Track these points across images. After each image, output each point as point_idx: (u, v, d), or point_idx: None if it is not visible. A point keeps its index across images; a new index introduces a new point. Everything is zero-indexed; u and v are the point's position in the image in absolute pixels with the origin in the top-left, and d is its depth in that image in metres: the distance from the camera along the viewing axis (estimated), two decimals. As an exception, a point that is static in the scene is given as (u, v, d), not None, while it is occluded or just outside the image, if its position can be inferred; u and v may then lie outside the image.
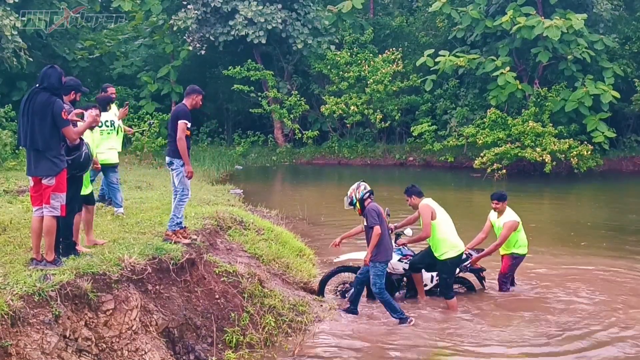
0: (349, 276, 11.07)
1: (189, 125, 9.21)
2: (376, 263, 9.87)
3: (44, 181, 7.45)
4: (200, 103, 9.56)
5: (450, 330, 9.68)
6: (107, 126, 11.97)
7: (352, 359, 8.65)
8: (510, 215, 11.38)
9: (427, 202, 10.64)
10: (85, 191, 8.86)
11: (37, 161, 7.49)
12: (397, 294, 11.01)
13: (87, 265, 7.45)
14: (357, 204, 10.11)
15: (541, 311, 10.51)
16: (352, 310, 10.19)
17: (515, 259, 11.39)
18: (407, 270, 10.78)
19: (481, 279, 11.47)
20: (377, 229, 9.75)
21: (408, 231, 10.75)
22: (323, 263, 13.10)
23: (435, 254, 10.55)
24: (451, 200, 20.92)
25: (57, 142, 7.49)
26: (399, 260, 10.81)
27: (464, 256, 10.87)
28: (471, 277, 11.49)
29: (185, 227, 9.57)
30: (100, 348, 7.00)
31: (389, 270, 10.58)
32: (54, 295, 6.72)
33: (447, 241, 10.46)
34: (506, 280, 11.38)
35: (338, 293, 11.11)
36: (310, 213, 17.72)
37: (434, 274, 10.89)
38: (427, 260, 10.68)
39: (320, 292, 10.92)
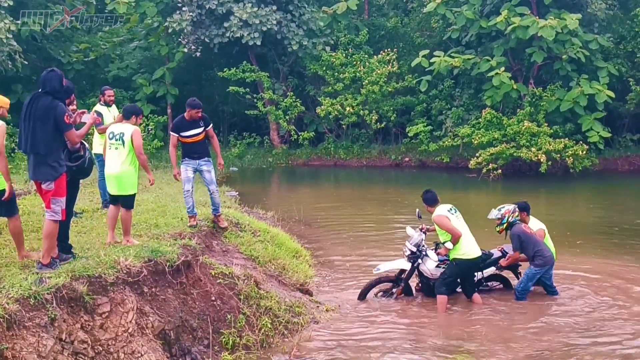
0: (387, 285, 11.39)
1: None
2: (531, 267, 10.98)
3: (43, 186, 7.52)
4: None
5: (451, 331, 9.69)
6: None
7: (349, 360, 8.67)
8: (535, 224, 11.59)
9: (442, 212, 10.79)
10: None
11: (36, 165, 7.54)
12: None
13: (83, 268, 7.46)
14: (505, 225, 11.18)
15: (543, 312, 10.56)
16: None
17: None
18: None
19: (517, 274, 11.60)
20: (515, 254, 11.10)
21: (449, 245, 10.77)
22: (319, 264, 13.14)
23: (449, 255, 10.80)
24: (447, 201, 20.91)
25: (58, 146, 7.54)
26: (437, 266, 10.94)
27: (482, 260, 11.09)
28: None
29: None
30: (97, 351, 7.01)
31: (427, 276, 11.04)
32: (50, 299, 6.72)
33: (460, 245, 10.62)
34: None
35: (379, 295, 11.30)
36: (306, 214, 17.73)
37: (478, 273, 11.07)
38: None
39: (361, 298, 11.14)
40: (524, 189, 24.86)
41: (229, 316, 8.79)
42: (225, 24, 31.17)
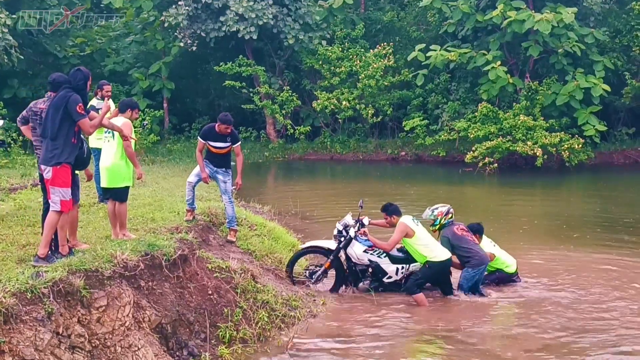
0: (316, 258, 11.42)
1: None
2: (467, 269, 10.87)
3: (44, 173, 7.64)
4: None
5: (446, 325, 9.72)
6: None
7: (345, 354, 8.68)
8: (485, 246, 11.47)
9: (405, 221, 10.80)
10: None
11: (43, 150, 7.83)
12: (360, 284, 11.15)
13: (80, 262, 7.46)
14: (438, 227, 11.29)
15: (536, 304, 10.58)
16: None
17: (499, 273, 11.58)
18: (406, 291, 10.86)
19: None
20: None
21: (366, 220, 10.96)
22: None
23: (420, 260, 10.84)
24: (443, 195, 21.04)
25: (63, 134, 7.72)
26: (364, 251, 10.96)
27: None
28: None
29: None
30: (94, 344, 7.01)
31: (354, 261, 11.04)
32: (47, 292, 6.72)
33: (430, 249, 10.71)
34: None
35: (309, 274, 11.22)
36: (302, 208, 17.73)
37: (399, 266, 11.01)
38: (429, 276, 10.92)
39: (289, 273, 11.09)
40: (519, 182, 24.93)
41: (225, 310, 8.80)
42: (222, 18, 31.12)
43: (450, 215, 11.28)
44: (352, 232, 10.92)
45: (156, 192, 14.22)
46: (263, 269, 10.50)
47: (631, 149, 30.96)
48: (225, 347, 8.33)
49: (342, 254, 11.13)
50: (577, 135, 27.78)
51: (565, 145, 27.01)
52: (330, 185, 25.37)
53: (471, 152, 27.55)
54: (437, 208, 11.36)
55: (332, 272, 11.29)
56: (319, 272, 11.12)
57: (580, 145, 27.23)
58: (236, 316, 8.82)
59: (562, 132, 27.89)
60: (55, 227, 7.68)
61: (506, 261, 11.60)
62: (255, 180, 26.45)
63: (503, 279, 11.61)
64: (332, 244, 11.16)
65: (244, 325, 8.79)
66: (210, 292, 8.91)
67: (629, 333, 9.33)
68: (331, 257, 11.06)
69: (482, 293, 11.04)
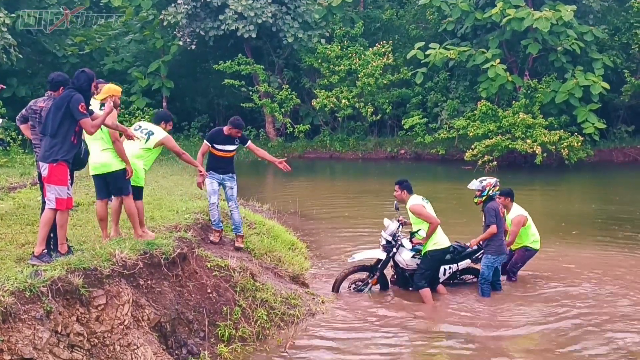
0: (362, 274, 11.35)
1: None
2: (487, 255, 10.84)
3: (41, 170, 7.74)
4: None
5: (447, 324, 9.71)
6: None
7: (344, 352, 8.68)
8: (517, 210, 11.54)
9: (417, 201, 10.76)
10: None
11: (43, 147, 7.83)
12: (410, 288, 11.11)
13: (78, 260, 7.45)
14: (485, 197, 11.05)
15: (539, 302, 10.57)
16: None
17: (528, 252, 11.57)
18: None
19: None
20: (492, 228, 10.77)
21: (422, 232, 10.83)
22: (315, 257, 13.16)
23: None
24: (442, 193, 21.05)
25: (63, 132, 7.72)
26: (413, 257, 10.93)
27: (452, 251, 11.14)
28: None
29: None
30: (92, 343, 7.01)
31: (403, 267, 11.03)
32: (46, 291, 6.71)
33: (432, 237, 10.63)
34: (516, 270, 11.60)
35: (354, 290, 11.19)
36: (302, 207, 17.74)
37: (446, 267, 11.04)
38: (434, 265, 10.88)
39: (336, 290, 11.09)
40: (519, 180, 24.87)
41: (224, 308, 8.80)
42: (221, 17, 31.14)
43: (497, 188, 11.14)
44: (407, 244, 10.90)
45: (155, 191, 14.21)
46: (262, 268, 10.49)
47: (630, 146, 30.98)
48: (224, 346, 8.33)
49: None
50: (576, 133, 27.80)
51: (565, 143, 27.02)
52: (330, 184, 25.39)
53: (470, 150, 27.58)
54: (485, 179, 11.21)
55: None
56: (366, 289, 11.11)
57: (579, 143, 27.24)
58: (235, 315, 8.83)
59: (562, 130, 27.91)
60: (50, 224, 7.68)
61: (535, 234, 11.63)
62: (254, 178, 26.47)
63: (529, 258, 11.64)
64: (378, 254, 11.16)
65: (243, 323, 8.80)
66: (209, 290, 8.90)
67: (629, 327, 9.33)
68: (377, 273, 11.09)
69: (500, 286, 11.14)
